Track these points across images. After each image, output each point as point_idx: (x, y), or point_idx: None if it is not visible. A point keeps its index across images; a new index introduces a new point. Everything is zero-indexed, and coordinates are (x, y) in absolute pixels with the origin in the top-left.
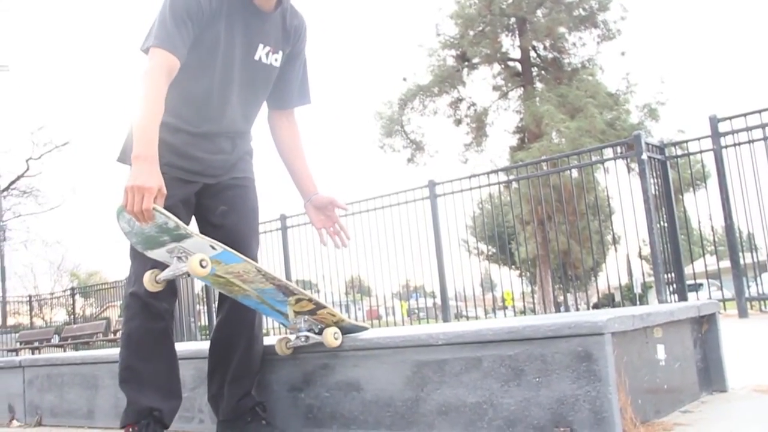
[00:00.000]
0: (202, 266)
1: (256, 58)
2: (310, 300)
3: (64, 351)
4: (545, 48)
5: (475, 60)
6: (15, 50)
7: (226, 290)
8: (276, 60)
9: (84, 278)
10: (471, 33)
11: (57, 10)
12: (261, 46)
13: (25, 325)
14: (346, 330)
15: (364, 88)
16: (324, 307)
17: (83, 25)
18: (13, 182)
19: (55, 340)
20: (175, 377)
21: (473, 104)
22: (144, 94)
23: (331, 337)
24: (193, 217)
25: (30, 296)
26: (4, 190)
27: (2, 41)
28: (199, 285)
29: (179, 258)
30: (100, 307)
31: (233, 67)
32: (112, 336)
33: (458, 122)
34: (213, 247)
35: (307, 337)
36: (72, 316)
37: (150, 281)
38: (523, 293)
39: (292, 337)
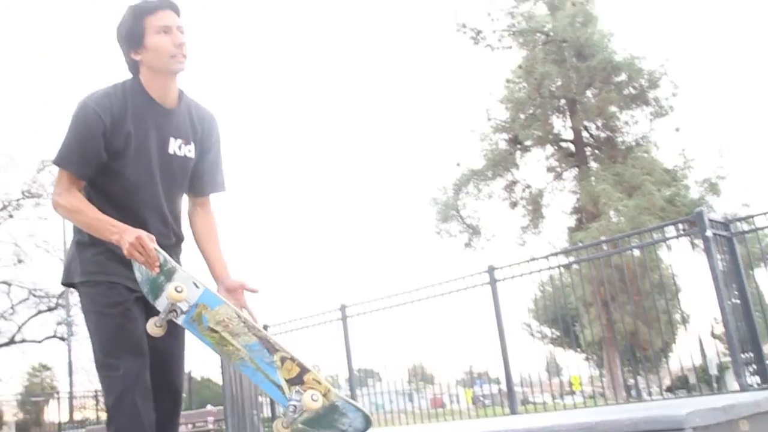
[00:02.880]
0: (177, 291)
1: (170, 151)
2: (292, 359)
3: None
4: (597, 127)
5: (528, 142)
6: None
7: (225, 354)
8: (189, 151)
9: None
10: (522, 116)
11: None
12: (172, 139)
13: (92, 420)
14: (338, 404)
15: (418, 175)
16: (308, 370)
17: None
18: None
19: None
20: None
21: (528, 186)
22: (74, 211)
23: (309, 398)
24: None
25: (96, 391)
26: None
27: None
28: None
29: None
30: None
31: (151, 162)
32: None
33: (514, 205)
34: (195, 285)
35: (295, 407)
36: None
37: (151, 327)
38: (591, 377)
39: (283, 411)
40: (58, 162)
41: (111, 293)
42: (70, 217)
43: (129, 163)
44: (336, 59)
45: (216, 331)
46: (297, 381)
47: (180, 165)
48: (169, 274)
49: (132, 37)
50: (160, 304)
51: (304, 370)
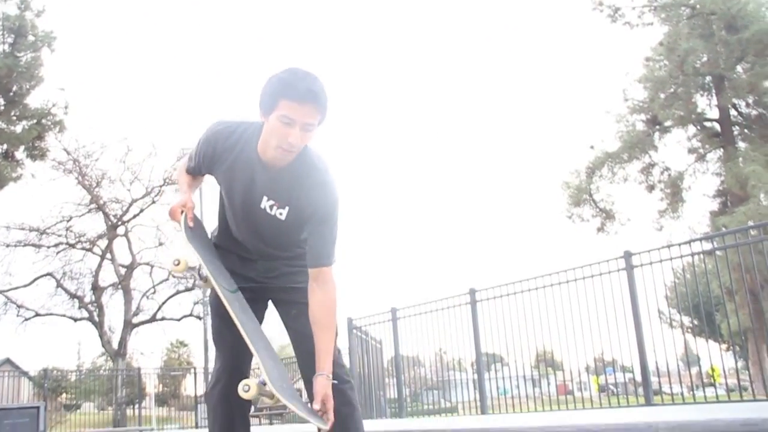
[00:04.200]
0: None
1: (261, 206)
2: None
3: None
4: (748, 105)
5: (668, 123)
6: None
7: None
8: (281, 214)
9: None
10: (662, 96)
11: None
12: (265, 198)
13: None
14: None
15: (549, 158)
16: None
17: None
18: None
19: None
20: None
21: (667, 169)
22: (177, 171)
23: (240, 389)
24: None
25: None
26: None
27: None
28: (387, 357)
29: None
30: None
31: (239, 210)
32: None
33: (651, 188)
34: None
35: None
36: None
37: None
38: (736, 369)
39: None
40: (185, 163)
41: (214, 299)
42: (178, 178)
43: (227, 199)
44: (467, 38)
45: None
46: None
47: (271, 222)
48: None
49: (264, 104)
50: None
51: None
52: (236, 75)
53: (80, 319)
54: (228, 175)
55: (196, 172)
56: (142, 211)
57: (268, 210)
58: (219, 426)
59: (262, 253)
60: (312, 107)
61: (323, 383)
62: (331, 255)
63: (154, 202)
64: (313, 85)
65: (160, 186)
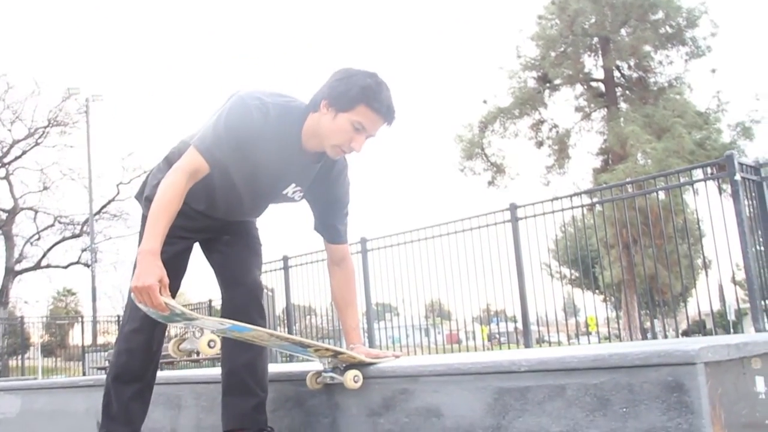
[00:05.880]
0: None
1: (284, 192)
2: (327, 349)
3: None
4: (630, 67)
5: (557, 81)
6: (108, 80)
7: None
8: (300, 197)
9: None
10: (552, 54)
11: (147, 42)
12: (293, 185)
13: (114, 344)
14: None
15: (443, 112)
16: (343, 353)
17: (171, 55)
18: (104, 206)
19: None
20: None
21: (555, 126)
22: (166, 187)
23: (351, 380)
24: (199, 247)
25: (118, 316)
26: (96, 214)
27: (96, 72)
28: (280, 307)
29: (194, 334)
30: (183, 328)
31: (253, 189)
32: (195, 356)
33: (540, 144)
34: (222, 323)
35: (333, 377)
36: None
37: (173, 348)
38: (608, 319)
39: (325, 374)
40: (201, 147)
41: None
42: (160, 190)
43: (242, 177)
44: None
45: (242, 338)
46: (330, 357)
47: (282, 201)
48: (189, 320)
49: (338, 101)
50: (177, 325)
51: (338, 353)
52: (125, 10)
53: None
54: (261, 156)
55: (222, 157)
56: (24, 153)
57: (289, 194)
58: (132, 367)
59: (234, 220)
60: (384, 123)
61: (364, 350)
62: (347, 231)
63: (38, 143)
64: (393, 102)
65: (45, 127)
